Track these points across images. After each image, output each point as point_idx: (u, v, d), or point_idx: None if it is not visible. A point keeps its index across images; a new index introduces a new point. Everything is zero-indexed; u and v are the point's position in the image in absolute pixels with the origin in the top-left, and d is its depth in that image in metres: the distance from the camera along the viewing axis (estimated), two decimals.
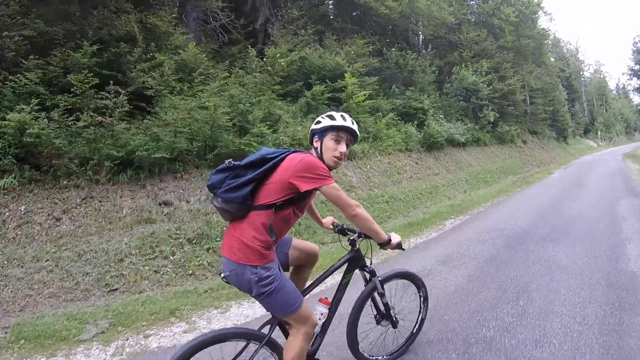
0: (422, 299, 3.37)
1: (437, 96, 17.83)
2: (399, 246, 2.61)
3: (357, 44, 14.83)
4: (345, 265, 2.82)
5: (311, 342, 2.50)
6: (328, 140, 2.41)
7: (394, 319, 3.10)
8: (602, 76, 75.96)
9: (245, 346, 2.34)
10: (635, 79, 37.26)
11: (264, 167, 2.25)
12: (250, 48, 11.96)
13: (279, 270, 2.30)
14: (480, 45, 22.24)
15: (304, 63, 12.87)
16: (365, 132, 12.21)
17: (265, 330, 2.43)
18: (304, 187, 2.19)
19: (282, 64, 11.36)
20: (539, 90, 29.12)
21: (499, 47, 23.76)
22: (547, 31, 31.08)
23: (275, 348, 2.45)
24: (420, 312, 3.40)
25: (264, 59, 11.45)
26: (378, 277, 2.91)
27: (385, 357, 3.17)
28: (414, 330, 3.37)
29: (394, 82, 16.68)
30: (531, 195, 12.46)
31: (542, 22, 34.27)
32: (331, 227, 3.10)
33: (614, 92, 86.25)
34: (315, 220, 3.09)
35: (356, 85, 12.46)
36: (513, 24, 24.90)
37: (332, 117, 2.43)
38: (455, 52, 21.95)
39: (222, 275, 2.31)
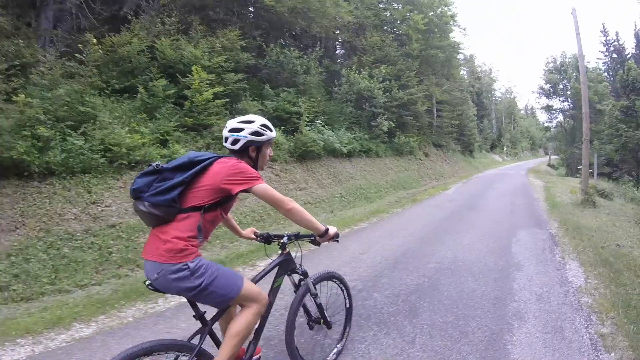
0: (347, 300, 3.33)
1: (320, 100, 15.43)
2: (336, 237, 2.59)
3: (229, 36, 12.34)
4: (276, 270, 2.73)
5: (257, 323, 2.44)
6: (266, 149, 2.53)
7: (329, 320, 3.04)
8: (512, 96, 79.50)
9: (175, 359, 2.17)
10: (544, 97, 38.15)
11: (194, 170, 2.20)
12: (88, 34, 9.21)
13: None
14: (383, 50, 20.54)
15: (156, 54, 10.43)
16: (212, 137, 9.86)
17: (195, 340, 2.22)
18: (236, 189, 2.20)
19: (100, 51, 9.17)
20: (446, 103, 28.22)
21: (404, 54, 22.20)
22: (459, 44, 30.26)
23: (208, 359, 2.28)
24: (346, 315, 3.35)
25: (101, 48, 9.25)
26: (310, 278, 2.87)
27: None
28: (341, 336, 3.32)
29: (275, 82, 14.34)
30: (407, 220, 9.80)
31: (456, 35, 33.30)
32: (253, 237, 2.93)
33: (523, 111, 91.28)
34: (233, 231, 2.90)
35: (207, 82, 10.13)
36: (422, 31, 23.50)
37: (269, 129, 2.49)
38: (355, 55, 20.06)
39: (148, 282, 2.16)
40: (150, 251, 2.14)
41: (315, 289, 2.89)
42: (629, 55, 48.21)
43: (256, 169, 2.39)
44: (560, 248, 6.89)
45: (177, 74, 10.22)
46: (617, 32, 53.21)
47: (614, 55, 53.33)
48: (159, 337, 2.32)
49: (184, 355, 2.16)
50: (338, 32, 19.91)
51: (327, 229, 2.50)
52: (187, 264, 2.05)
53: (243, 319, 2.26)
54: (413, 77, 21.60)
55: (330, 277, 3.16)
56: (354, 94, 17.23)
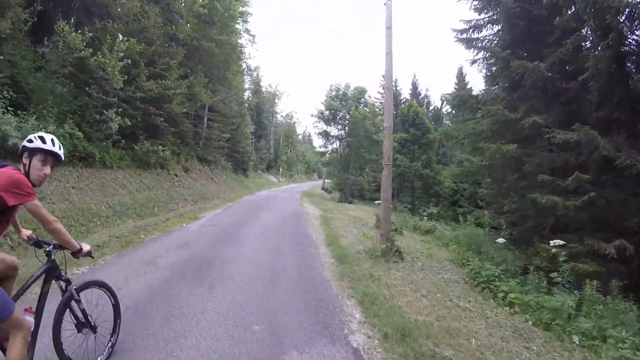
0: (114, 307, 3.71)
1: (12, 63, 9.71)
2: (89, 254, 3.10)
3: None
4: (44, 276, 2.99)
5: (27, 347, 2.62)
6: (36, 161, 2.69)
7: (93, 324, 3.37)
8: (292, 121, 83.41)
9: None
10: (322, 122, 38.45)
11: None
12: None
13: None
14: (142, 23, 15.40)
15: None
16: None
17: None
18: (12, 201, 2.43)
19: None
20: (218, 112, 24.46)
21: (168, 35, 17.38)
22: (242, 47, 27.10)
23: None
24: (115, 319, 3.70)
25: None
26: (73, 285, 3.19)
27: None
28: (112, 339, 3.61)
29: None
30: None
31: (245, 43, 30.33)
32: (26, 238, 3.17)
33: (300, 137, 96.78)
34: (15, 228, 3.15)
35: None
36: (199, 16, 19.23)
37: (43, 140, 2.73)
38: (103, 21, 14.27)
39: None
40: None
41: (79, 295, 3.20)
42: (403, 100, 55.52)
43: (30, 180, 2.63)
44: None
45: None
46: (396, 79, 60.44)
47: None
48: None
49: None
50: None
51: (82, 248, 3.00)
52: None
53: (16, 350, 2.50)
54: (174, 68, 16.97)
55: (94, 284, 3.53)
56: (72, 65, 11.56)
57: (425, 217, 22.28)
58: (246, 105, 39.97)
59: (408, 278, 7.10)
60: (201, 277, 6.30)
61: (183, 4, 19.65)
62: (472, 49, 14.13)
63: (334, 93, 38.32)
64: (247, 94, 47.01)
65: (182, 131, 20.06)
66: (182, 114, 18.91)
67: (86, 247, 3.04)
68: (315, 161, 77.78)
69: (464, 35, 14.47)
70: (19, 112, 9.17)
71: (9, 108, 8.68)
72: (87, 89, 12.25)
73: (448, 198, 32.98)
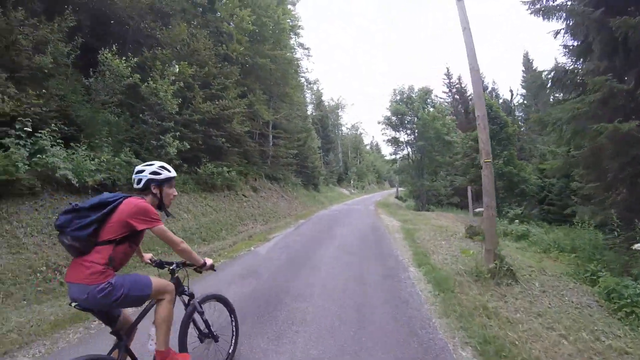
0: (233, 320, 3.96)
1: (61, 96, 9.56)
2: (211, 267, 3.30)
3: None
4: None
5: (173, 307, 3.01)
6: (167, 188, 3.07)
7: (215, 334, 3.61)
8: (359, 132, 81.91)
9: None
10: (389, 129, 37.07)
11: (105, 210, 2.66)
12: None
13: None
14: (192, 46, 15.13)
15: None
16: None
17: (115, 354, 2.75)
18: (140, 227, 2.72)
19: None
20: (282, 129, 23.93)
21: (220, 55, 17.04)
22: (297, 60, 26.60)
23: None
24: (233, 331, 3.92)
25: None
26: (196, 298, 3.44)
27: None
28: (230, 350, 3.82)
29: None
30: None
31: (301, 56, 30.33)
32: (149, 261, 3.43)
33: (368, 147, 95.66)
34: (138, 255, 3.36)
35: None
36: (249, 34, 18.84)
37: (168, 170, 3.09)
38: (152, 49, 14.09)
39: (74, 303, 2.57)
40: (75, 276, 2.58)
41: (202, 308, 3.44)
42: (469, 96, 52.01)
43: (162, 206, 3.06)
44: None
45: None
46: (459, 76, 57.16)
47: (456, 97, 57.30)
48: None
49: None
50: (135, 16, 14.04)
51: (205, 262, 3.22)
52: (109, 282, 2.58)
53: (163, 308, 2.88)
54: (231, 87, 16.53)
55: (214, 297, 3.76)
56: (121, 93, 11.28)
57: (517, 220, 20.08)
58: (310, 120, 39.65)
59: (532, 308, 5.44)
60: (266, 322, 5.07)
61: (232, 25, 19.37)
62: (552, 18, 12.24)
63: (398, 97, 36.81)
64: (309, 108, 46.78)
65: (247, 151, 19.65)
66: (245, 133, 18.42)
67: (209, 262, 3.26)
68: (387, 170, 75.93)
69: (537, 6, 12.61)
70: (71, 143, 8.93)
71: (58, 140, 8.38)
72: (141, 116, 12.01)
73: (534, 196, 29.87)
